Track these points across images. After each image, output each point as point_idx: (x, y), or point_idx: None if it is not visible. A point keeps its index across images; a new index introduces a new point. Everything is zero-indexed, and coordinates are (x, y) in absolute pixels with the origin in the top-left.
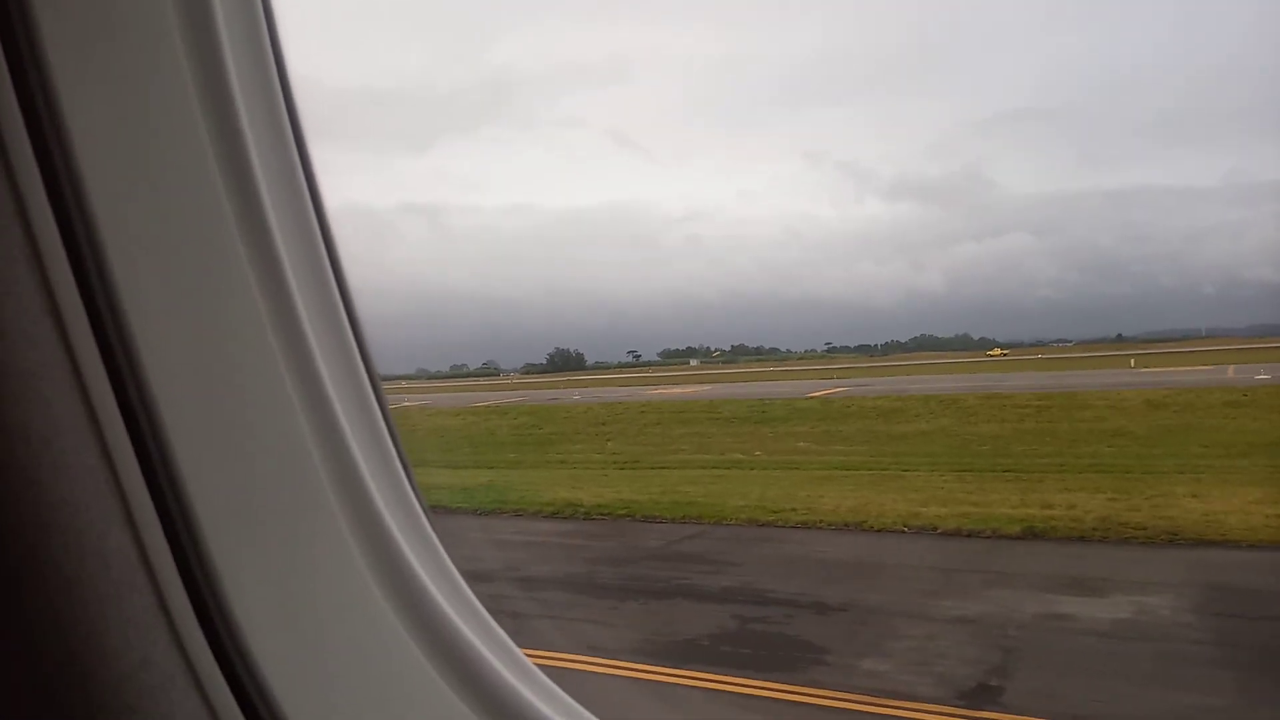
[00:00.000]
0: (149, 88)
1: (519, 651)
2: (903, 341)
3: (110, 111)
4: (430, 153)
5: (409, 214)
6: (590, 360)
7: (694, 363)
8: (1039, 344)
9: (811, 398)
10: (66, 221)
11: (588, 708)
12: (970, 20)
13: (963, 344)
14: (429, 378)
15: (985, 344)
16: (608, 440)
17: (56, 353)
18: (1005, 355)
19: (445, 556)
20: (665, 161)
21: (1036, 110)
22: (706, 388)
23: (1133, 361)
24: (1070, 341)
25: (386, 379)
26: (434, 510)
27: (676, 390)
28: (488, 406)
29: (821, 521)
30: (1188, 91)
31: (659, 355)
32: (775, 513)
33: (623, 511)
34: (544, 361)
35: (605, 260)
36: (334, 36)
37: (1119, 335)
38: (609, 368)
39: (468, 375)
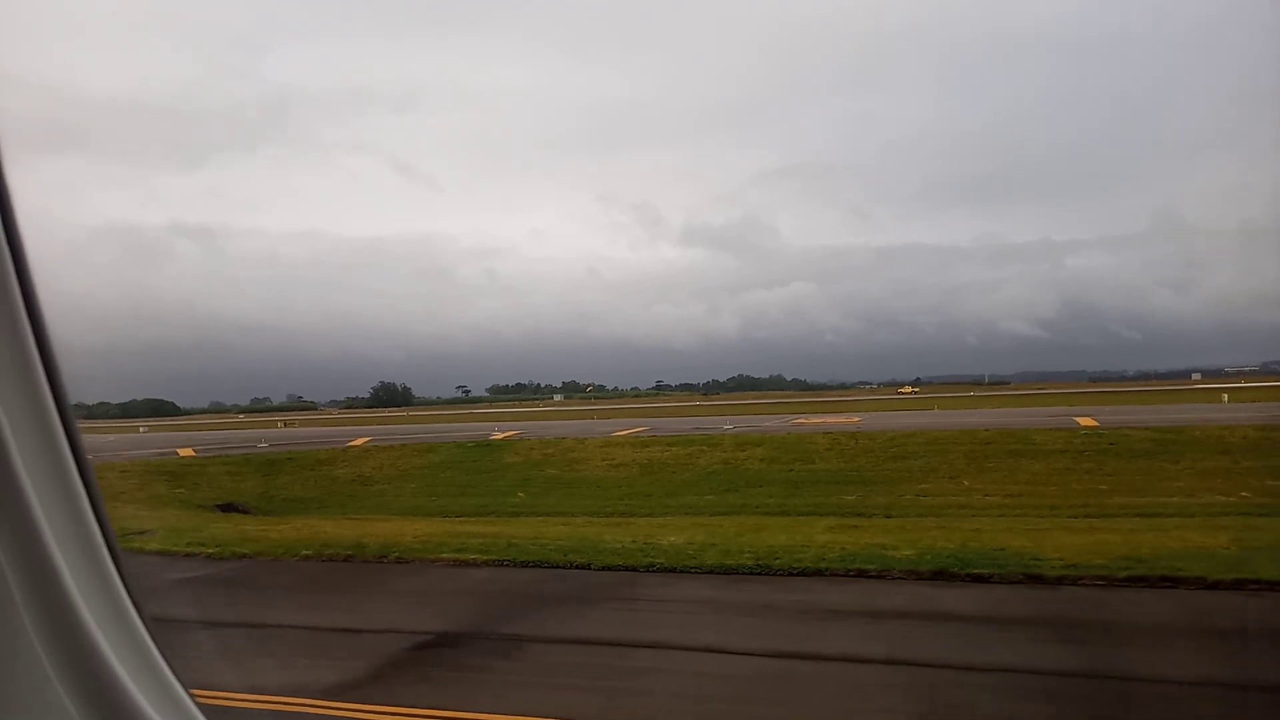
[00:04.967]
0: None
1: None
2: (722, 381)
3: None
4: (204, 170)
5: (182, 234)
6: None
7: (557, 398)
8: (843, 386)
9: (1078, 427)
10: None
11: None
12: (764, 80)
13: (776, 384)
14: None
15: (797, 384)
16: (961, 480)
17: None
18: (915, 393)
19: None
20: (457, 194)
21: (815, 166)
22: (860, 416)
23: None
24: (872, 384)
25: (190, 413)
26: None
27: (832, 419)
28: (659, 438)
29: None
30: (950, 156)
31: (487, 391)
32: None
33: None
34: (367, 395)
35: (403, 292)
36: (98, 43)
37: (917, 379)
38: (433, 403)
39: (272, 410)
